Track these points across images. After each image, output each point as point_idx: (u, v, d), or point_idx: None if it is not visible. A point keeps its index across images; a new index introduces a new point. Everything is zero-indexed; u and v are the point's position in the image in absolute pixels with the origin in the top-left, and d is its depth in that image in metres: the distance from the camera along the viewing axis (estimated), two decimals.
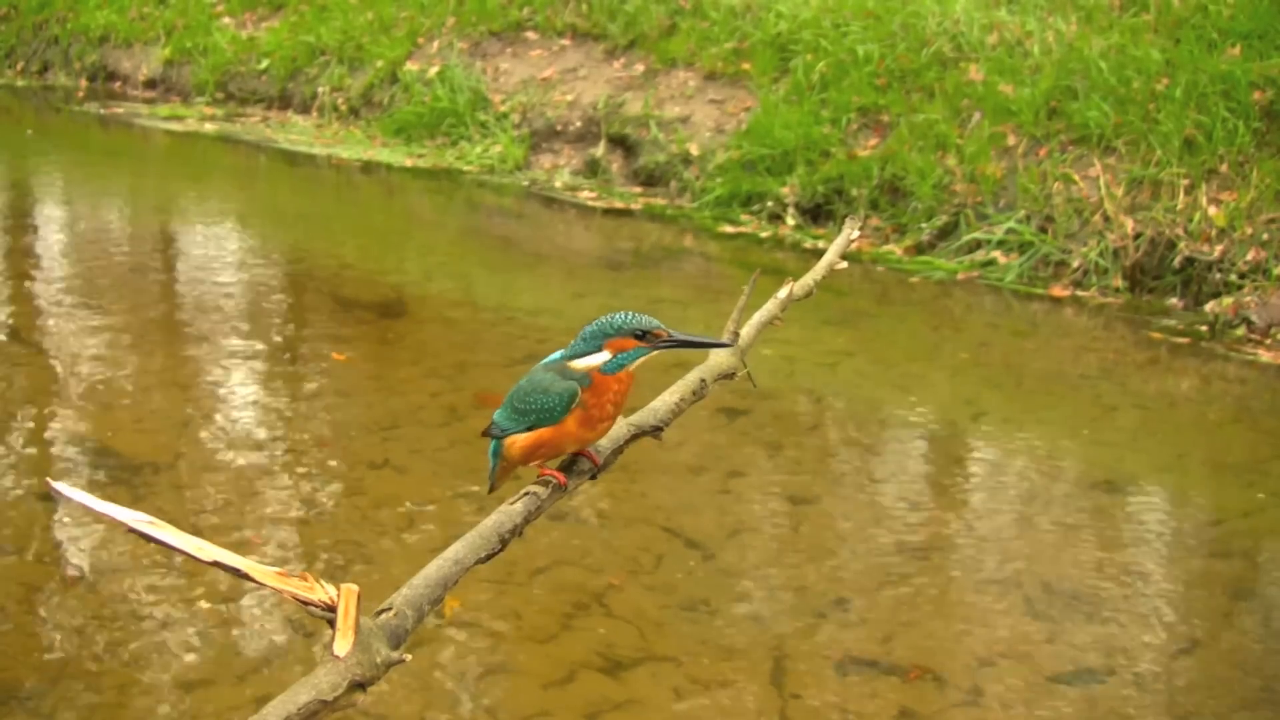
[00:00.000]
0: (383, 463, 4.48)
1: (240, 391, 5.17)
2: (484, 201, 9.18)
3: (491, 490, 2.10)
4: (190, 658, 3.28)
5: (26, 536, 3.88)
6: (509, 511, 1.75)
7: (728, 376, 2.16)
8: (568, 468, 1.93)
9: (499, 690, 3.24)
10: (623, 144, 9.47)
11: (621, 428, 1.99)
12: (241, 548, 2.83)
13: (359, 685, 1.39)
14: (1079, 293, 6.95)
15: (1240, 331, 6.30)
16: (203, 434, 4.70)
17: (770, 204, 8.29)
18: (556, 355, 1.97)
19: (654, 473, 4.51)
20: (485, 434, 2.01)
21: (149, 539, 1.36)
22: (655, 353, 1.92)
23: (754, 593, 3.73)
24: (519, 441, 1.92)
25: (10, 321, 5.92)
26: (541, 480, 1.88)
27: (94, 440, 4.57)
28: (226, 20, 12.85)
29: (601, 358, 1.89)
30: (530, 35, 10.65)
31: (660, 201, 8.84)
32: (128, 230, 8.20)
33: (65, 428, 4.69)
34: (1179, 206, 6.95)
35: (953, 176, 7.66)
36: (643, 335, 1.88)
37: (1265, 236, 6.65)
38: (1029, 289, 7.04)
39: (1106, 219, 7.10)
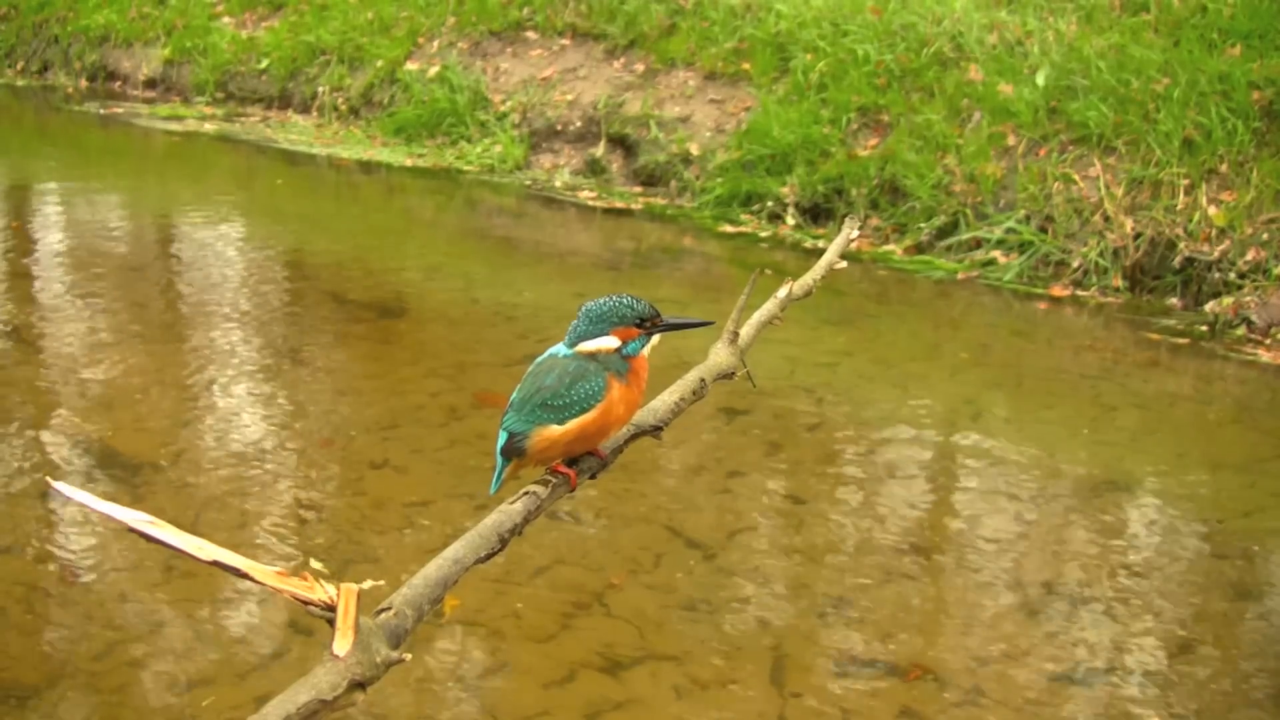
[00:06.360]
0: (383, 463, 4.48)
1: (240, 391, 5.17)
2: (484, 201, 9.18)
3: (494, 494, 2.08)
4: (190, 658, 3.28)
5: (26, 536, 3.88)
6: (509, 511, 1.76)
7: (727, 376, 2.16)
8: (571, 466, 1.94)
9: (499, 690, 3.24)
10: (623, 144, 9.47)
11: (623, 427, 1.99)
12: (241, 548, 2.83)
13: (358, 685, 1.39)
14: (1079, 293, 6.95)
15: (1240, 331, 6.30)
16: (203, 434, 4.70)
17: (770, 204, 8.29)
18: (557, 349, 1.97)
19: (654, 473, 4.51)
20: (505, 452, 1.96)
21: (149, 539, 1.37)
22: (654, 339, 1.95)
23: (754, 593, 3.73)
24: (558, 434, 1.88)
25: (10, 321, 5.92)
26: (542, 480, 1.88)
27: (94, 440, 4.57)
28: (226, 20, 12.86)
29: (612, 342, 1.91)
30: (530, 35, 10.66)
31: (660, 201, 8.84)
32: (128, 230, 8.20)
33: (65, 428, 4.69)
34: (1179, 206, 6.95)
35: (952, 176, 7.66)
36: (641, 323, 1.92)
37: (1265, 236, 6.65)
38: (1029, 289, 7.04)
39: (1106, 219, 7.10)
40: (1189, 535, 4.26)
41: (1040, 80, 7.86)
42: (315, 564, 3.71)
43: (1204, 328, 6.41)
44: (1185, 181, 7.00)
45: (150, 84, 12.95)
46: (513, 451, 1.92)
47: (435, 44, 10.99)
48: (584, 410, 1.86)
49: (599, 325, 1.91)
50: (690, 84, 9.43)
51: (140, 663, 3.26)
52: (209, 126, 11.23)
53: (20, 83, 13.81)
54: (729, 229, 8.17)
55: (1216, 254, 6.69)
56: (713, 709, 3.17)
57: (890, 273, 7.34)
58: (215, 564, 1.38)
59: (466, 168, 9.77)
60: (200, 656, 3.29)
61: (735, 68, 9.28)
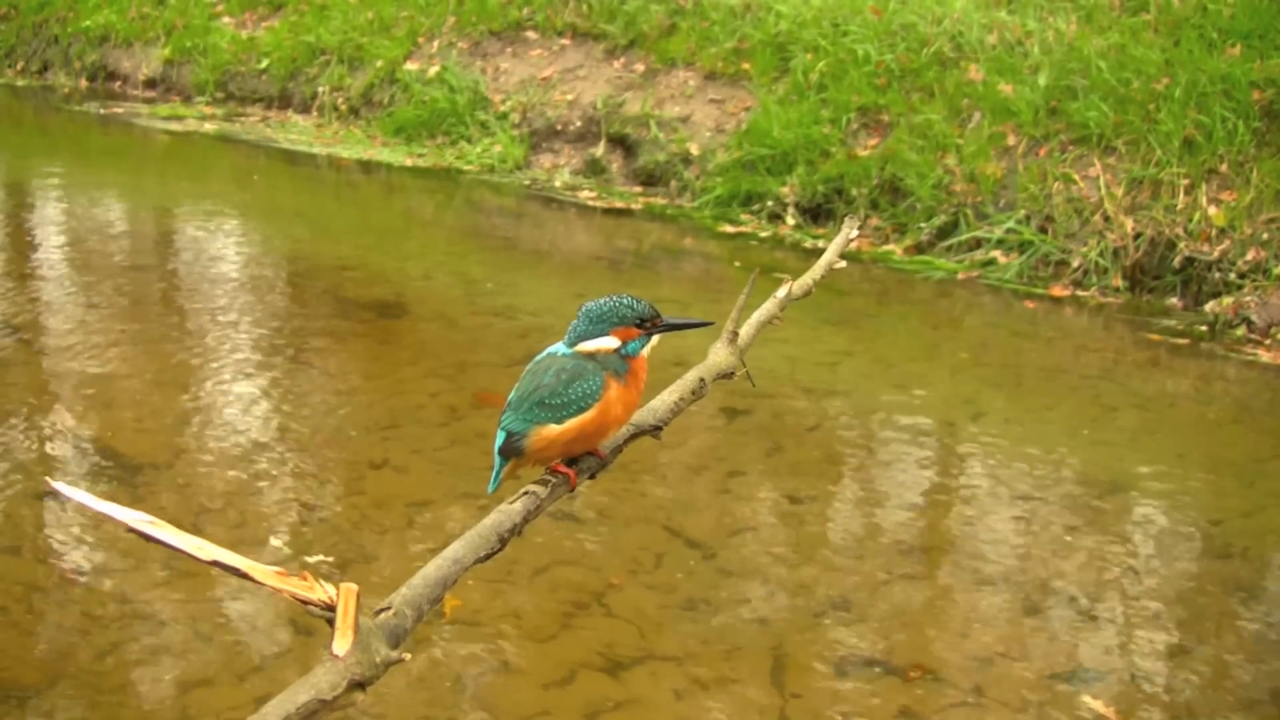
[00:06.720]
0: (383, 463, 4.48)
1: (240, 391, 5.17)
2: (484, 201, 9.18)
3: (492, 493, 2.08)
4: (190, 658, 3.28)
5: (26, 536, 3.88)
6: (508, 511, 1.75)
7: (726, 376, 2.16)
8: (570, 466, 1.94)
9: (499, 690, 3.24)
10: (623, 144, 9.47)
11: (621, 427, 1.99)
12: (241, 547, 2.83)
13: (358, 685, 1.39)
14: (1079, 293, 6.95)
15: (1240, 331, 6.30)
16: (203, 434, 4.70)
17: (770, 204, 8.29)
18: (556, 348, 1.97)
19: (654, 473, 4.51)
20: (503, 451, 1.95)
21: (149, 539, 1.36)
22: (654, 340, 1.95)
23: (754, 593, 3.73)
24: (556, 433, 1.87)
25: (10, 321, 5.92)
26: (541, 480, 1.88)
27: (94, 440, 4.57)
28: (226, 20, 12.86)
29: (612, 343, 1.91)
30: (530, 35, 10.65)
31: (660, 201, 8.84)
32: (128, 230, 8.20)
33: (65, 428, 4.69)
34: (1179, 206, 6.95)
35: (952, 176, 7.66)
36: (642, 323, 1.92)
37: (1265, 236, 6.65)
38: (1029, 289, 7.04)
39: (1106, 219, 7.10)
40: (1189, 535, 4.26)
41: (1040, 80, 7.86)
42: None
43: (1204, 328, 6.41)
44: (1185, 181, 7.00)
45: (150, 84, 12.95)
46: (511, 451, 1.92)
47: (435, 44, 10.99)
48: (581, 410, 1.86)
49: (599, 325, 1.91)
50: (690, 84, 9.43)
51: (140, 663, 3.25)
52: (209, 126, 11.23)
53: (20, 83, 13.82)
54: (729, 229, 8.17)
55: (1216, 254, 6.69)
56: (713, 709, 3.17)
57: (890, 273, 7.34)
58: (215, 564, 1.38)
59: (466, 168, 9.77)
60: (200, 656, 3.29)
61: (735, 68, 9.28)
